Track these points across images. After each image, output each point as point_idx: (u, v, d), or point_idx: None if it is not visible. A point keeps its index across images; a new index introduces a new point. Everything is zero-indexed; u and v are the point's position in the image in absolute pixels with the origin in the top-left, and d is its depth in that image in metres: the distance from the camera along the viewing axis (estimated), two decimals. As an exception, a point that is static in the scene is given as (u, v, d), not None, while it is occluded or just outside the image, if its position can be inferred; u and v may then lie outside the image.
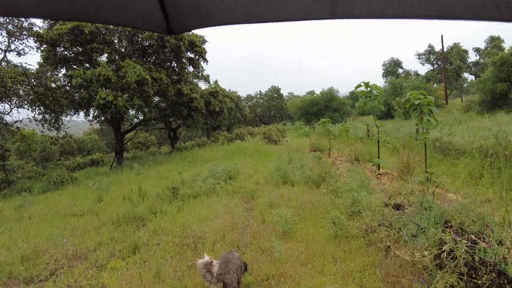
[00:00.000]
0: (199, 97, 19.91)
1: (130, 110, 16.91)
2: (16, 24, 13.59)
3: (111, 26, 14.98)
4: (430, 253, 3.09)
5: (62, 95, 13.87)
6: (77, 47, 15.73)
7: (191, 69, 21.20)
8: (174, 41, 17.13)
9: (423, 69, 55.93)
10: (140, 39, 17.63)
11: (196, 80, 22.52)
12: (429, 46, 40.62)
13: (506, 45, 38.68)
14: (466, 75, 44.26)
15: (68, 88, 15.58)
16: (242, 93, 48.79)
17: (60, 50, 15.61)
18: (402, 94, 27.88)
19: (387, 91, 30.47)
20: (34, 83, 12.52)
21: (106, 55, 16.80)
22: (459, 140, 7.85)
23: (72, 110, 16.08)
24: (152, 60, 18.63)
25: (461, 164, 6.77)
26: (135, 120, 20.78)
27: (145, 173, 12.01)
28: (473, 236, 3.09)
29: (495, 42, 39.86)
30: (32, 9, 0.92)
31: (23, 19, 13.25)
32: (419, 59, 41.55)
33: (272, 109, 49.92)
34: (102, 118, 17.32)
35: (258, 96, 51.30)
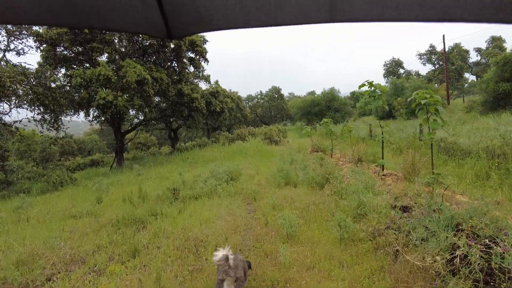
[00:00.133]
0: (200, 97, 19.81)
1: (130, 110, 16.79)
2: (15, 23, 13.47)
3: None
4: (442, 258, 2.96)
5: (62, 95, 13.75)
6: (77, 47, 15.63)
7: (191, 69, 21.10)
8: (175, 41, 17.03)
9: (425, 69, 55.93)
10: (140, 39, 17.54)
11: (196, 80, 22.43)
12: (430, 46, 40.54)
13: (508, 45, 38.57)
14: (467, 75, 44.16)
15: (68, 88, 15.47)
16: (243, 94, 48.66)
17: (60, 50, 15.51)
18: (403, 94, 27.76)
19: (388, 91, 30.35)
20: (33, 83, 12.41)
21: (106, 54, 16.70)
22: (464, 141, 7.72)
23: (72, 110, 15.97)
24: (152, 60, 18.53)
25: (467, 165, 6.64)
26: (136, 120, 20.66)
27: (146, 174, 11.89)
28: (486, 241, 2.96)
29: (496, 42, 39.72)
30: (36, 17, 0.96)
31: None
32: (421, 59, 41.45)
33: (272, 110, 49.81)
34: (102, 118, 17.21)
35: (259, 96, 51.21)
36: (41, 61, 14.85)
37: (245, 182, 7.65)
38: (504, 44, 39.12)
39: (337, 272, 3.28)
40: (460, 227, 3.35)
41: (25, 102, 12.77)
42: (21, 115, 13.50)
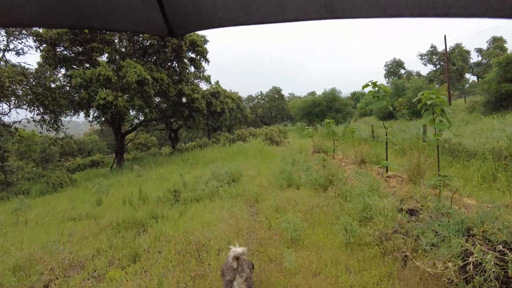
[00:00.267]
0: (201, 97, 19.71)
1: (130, 111, 16.69)
2: (15, 23, 13.38)
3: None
4: (454, 264, 2.85)
5: (62, 95, 13.65)
6: (77, 47, 15.53)
7: (192, 69, 21.01)
8: (176, 40, 16.95)
9: (425, 69, 55.83)
10: (141, 39, 17.44)
11: (197, 80, 22.34)
12: (431, 47, 40.43)
13: (509, 46, 38.47)
14: (467, 76, 44.06)
15: (67, 88, 15.36)
16: (243, 94, 48.63)
17: (60, 50, 15.41)
18: (404, 95, 27.64)
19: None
20: (33, 83, 12.31)
21: (106, 55, 16.60)
22: (469, 142, 7.61)
23: (72, 111, 15.87)
24: (153, 60, 18.43)
25: (473, 166, 6.53)
26: (136, 120, 20.56)
27: (146, 175, 11.78)
28: (500, 246, 2.86)
29: (497, 42, 39.61)
30: (36, 19, 0.94)
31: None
32: (422, 60, 41.35)
33: (273, 110, 49.72)
34: (103, 119, 17.10)
35: (259, 96, 51.11)
36: (41, 61, 14.75)
37: (246, 184, 7.55)
38: (505, 45, 39.02)
39: (344, 279, 3.18)
40: (471, 232, 3.24)
41: (24, 102, 12.67)
42: (20, 115, 13.42)
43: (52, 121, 14.06)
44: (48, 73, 13.37)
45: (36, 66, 14.19)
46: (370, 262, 3.44)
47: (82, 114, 16.73)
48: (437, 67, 41.13)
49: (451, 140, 8.06)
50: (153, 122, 21.74)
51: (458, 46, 40.49)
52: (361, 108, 35.47)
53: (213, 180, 7.74)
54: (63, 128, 14.91)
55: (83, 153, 29.51)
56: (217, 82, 26.39)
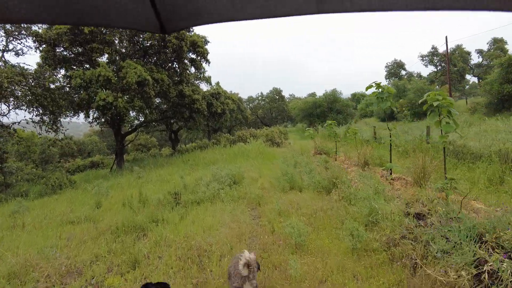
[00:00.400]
0: (201, 98, 19.60)
1: (130, 112, 16.55)
2: (14, 23, 13.30)
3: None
4: (467, 273, 2.73)
5: (61, 96, 13.54)
6: (77, 47, 15.42)
7: (192, 70, 20.91)
8: (176, 41, 16.84)
9: (426, 70, 55.77)
10: (141, 39, 17.34)
11: (197, 81, 22.23)
12: (432, 48, 40.35)
13: (510, 47, 38.39)
14: (468, 77, 43.98)
15: (67, 89, 15.25)
16: (243, 95, 48.53)
17: (60, 50, 15.30)
18: (405, 96, 27.55)
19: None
20: (32, 84, 12.20)
21: (106, 55, 16.50)
22: (474, 144, 7.49)
23: (71, 112, 15.76)
24: (153, 61, 18.32)
25: (479, 169, 6.40)
26: (136, 121, 20.44)
27: (146, 176, 11.65)
28: (515, 254, 2.73)
29: (498, 44, 39.55)
30: (35, 15, 0.96)
31: None
32: (423, 61, 41.27)
33: (273, 111, 49.60)
34: (102, 120, 16.97)
35: (260, 98, 51.02)
36: (40, 61, 14.64)
37: (248, 186, 7.42)
38: (506, 46, 38.95)
39: (352, 286, 3.06)
40: (483, 238, 3.12)
41: (23, 103, 12.56)
42: (19, 116, 13.31)
43: (51, 122, 13.95)
44: (48, 73, 13.27)
45: (35, 66, 14.10)
46: (377, 269, 3.32)
47: (82, 115, 16.64)
48: (438, 68, 41.07)
49: (456, 142, 7.94)
50: (153, 123, 21.63)
51: (458, 47, 40.44)
52: (362, 109, 35.40)
53: (214, 182, 7.62)
54: (62, 129, 14.80)
55: (83, 154, 29.40)
56: (217, 83, 26.33)
